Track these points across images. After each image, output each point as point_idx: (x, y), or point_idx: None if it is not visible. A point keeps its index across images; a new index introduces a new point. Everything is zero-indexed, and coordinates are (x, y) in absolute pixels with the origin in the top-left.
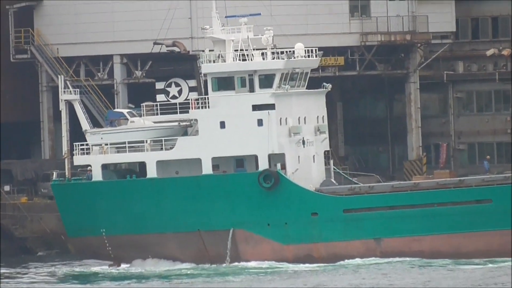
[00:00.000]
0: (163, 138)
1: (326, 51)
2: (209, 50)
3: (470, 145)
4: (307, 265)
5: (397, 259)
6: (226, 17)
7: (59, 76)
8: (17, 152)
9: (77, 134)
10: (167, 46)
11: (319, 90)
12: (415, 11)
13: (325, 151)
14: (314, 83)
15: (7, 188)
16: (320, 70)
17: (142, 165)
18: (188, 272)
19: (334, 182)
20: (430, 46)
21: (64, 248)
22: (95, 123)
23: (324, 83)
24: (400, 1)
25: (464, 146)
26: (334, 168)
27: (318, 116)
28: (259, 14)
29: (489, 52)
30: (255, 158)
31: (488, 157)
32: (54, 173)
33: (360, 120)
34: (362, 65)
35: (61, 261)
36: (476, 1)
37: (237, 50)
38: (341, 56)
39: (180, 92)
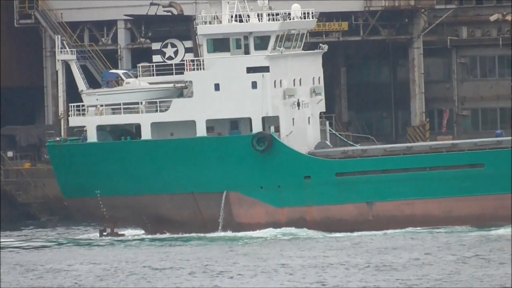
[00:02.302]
0: (158, 100)
1: (330, 16)
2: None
3: (474, 111)
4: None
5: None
6: None
7: (56, 36)
8: (21, 117)
9: (76, 96)
10: (163, 6)
11: (315, 51)
12: None
13: (321, 113)
14: (316, 47)
15: (10, 154)
16: (324, 35)
17: (137, 126)
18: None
19: (329, 144)
20: (434, 12)
21: (67, 214)
22: (98, 87)
23: (321, 44)
24: None
25: (467, 112)
26: (331, 131)
27: (314, 78)
28: None
29: (492, 17)
30: (249, 120)
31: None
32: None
33: (364, 85)
34: (366, 31)
35: (63, 226)
36: None
37: (235, 12)
38: (345, 21)
39: (176, 53)
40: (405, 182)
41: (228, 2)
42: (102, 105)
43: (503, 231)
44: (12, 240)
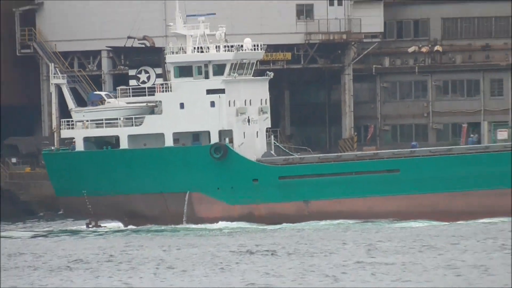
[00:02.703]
0: (133, 116)
1: (276, 48)
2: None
3: (393, 127)
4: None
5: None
6: (187, 16)
7: (50, 64)
8: (22, 130)
9: (67, 113)
10: (138, 40)
11: (263, 77)
12: (350, 15)
13: (267, 129)
14: (264, 74)
15: (13, 160)
16: (271, 64)
17: (117, 138)
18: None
19: (273, 154)
20: (362, 44)
21: (60, 210)
22: (84, 106)
23: (267, 72)
24: (338, 6)
25: (388, 127)
26: (275, 144)
27: (261, 99)
28: (214, 14)
29: (410, 49)
30: (208, 133)
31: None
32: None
33: (304, 105)
34: (306, 60)
35: (57, 220)
36: (400, 6)
37: (197, 44)
38: (289, 52)
39: (148, 78)
40: (336, 184)
41: (191, 36)
42: (88, 121)
43: (412, 224)
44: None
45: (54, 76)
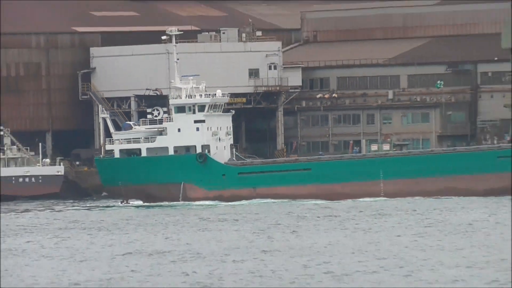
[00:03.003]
0: (149, 136)
1: (236, 95)
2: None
3: (308, 143)
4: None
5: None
6: (182, 76)
7: (99, 105)
8: (82, 144)
9: (109, 135)
10: (152, 90)
11: (228, 113)
12: (282, 75)
13: (231, 144)
14: (229, 111)
15: (77, 163)
16: (233, 105)
17: (139, 150)
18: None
19: (234, 159)
20: (288, 93)
21: (105, 194)
22: (120, 131)
23: (231, 110)
24: (274, 70)
25: (304, 143)
26: (236, 153)
27: (227, 126)
28: (198, 75)
29: (318, 96)
30: (195, 147)
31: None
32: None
33: (253, 130)
34: (254, 102)
35: (102, 199)
36: (312, 70)
37: (188, 93)
38: (244, 98)
39: (159, 113)
40: (272, 178)
41: (184, 88)
42: (122, 139)
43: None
44: (79, 207)
45: (101, 112)
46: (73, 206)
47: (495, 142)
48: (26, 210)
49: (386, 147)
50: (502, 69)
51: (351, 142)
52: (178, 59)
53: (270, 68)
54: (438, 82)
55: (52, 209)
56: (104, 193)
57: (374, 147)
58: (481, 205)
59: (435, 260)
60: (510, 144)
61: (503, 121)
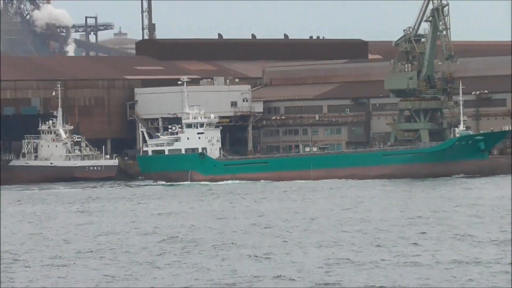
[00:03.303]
0: (170, 142)
1: (223, 117)
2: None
3: (267, 146)
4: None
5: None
6: (189, 105)
7: (140, 123)
8: (129, 148)
9: (146, 141)
10: (173, 114)
11: (217, 128)
12: (251, 105)
13: (219, 147)
14: (219, 127)
15: (126, 158)
16: (221, 123)
17: (163, 151)
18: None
19: (222, 157)
20: (255, 116)
21: (143, 178)
22: (152, 139)
23: (220, 126)
24: (246, 102)
25: (265, 147)
26: (223, 154)
27: (217, 136)
28: (199, 105)
29: (273, 117)
30: (198, 149)
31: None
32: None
33: (234, 139)
34: (234, 121)
35: (140, 181)
36: (271, 102)
37: (194, 116)
38: (227, 119)
39: (176, 128)
40: (245, 167)
41: (191, 113)
42: (153, 144)
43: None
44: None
45: (141, 128)
46: (125, 185)
47: (381, 146)
48: (100, 186)
49: (314, 149)
50: (385, 102)
51: (293, 146)
52: (187, 95)
53: (244, 101)
54: (346, 110)
55: (122, 185)
56: (141, 177)
57: (307, 149)
58: (372, 186)
59: (334, 213)
60: (390, 147)
61: (386, 133)
